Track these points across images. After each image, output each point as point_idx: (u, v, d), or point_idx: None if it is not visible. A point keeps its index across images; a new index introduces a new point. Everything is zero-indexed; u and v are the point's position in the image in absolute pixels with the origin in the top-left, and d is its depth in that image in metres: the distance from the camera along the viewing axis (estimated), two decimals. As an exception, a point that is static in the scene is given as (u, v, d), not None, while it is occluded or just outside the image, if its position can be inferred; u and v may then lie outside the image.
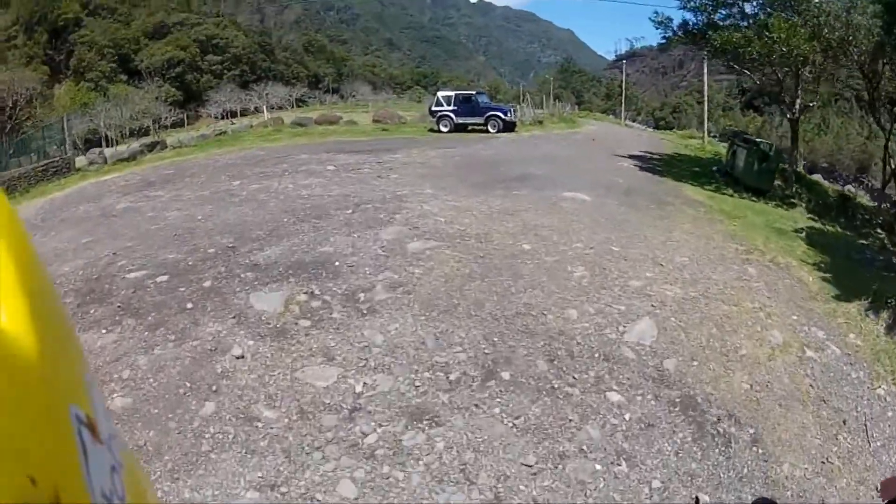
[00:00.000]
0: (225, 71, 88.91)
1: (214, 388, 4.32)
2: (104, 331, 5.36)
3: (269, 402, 4.14)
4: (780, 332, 6.12)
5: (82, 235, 8.73)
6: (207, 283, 6.01)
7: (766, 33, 13.19)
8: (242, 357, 4.60)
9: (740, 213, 11.23)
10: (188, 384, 4.39)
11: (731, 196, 13.16)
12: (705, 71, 29.66)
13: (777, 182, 14.21)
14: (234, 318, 5.22)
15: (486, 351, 4.84)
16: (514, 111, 24.59)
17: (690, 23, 15.79)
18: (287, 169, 13.46)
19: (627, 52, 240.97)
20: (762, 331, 6.08)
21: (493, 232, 7.87)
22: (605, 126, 39.07)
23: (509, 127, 23.67)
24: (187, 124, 51.68)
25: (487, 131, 23.27)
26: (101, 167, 17.51)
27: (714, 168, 16.85)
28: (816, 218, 12.48)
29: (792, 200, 13.56)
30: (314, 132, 25.13)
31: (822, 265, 8.67)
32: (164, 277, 6.31)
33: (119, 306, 5.80)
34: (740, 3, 14.62)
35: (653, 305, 6.08)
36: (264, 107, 63.21)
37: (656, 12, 16.49)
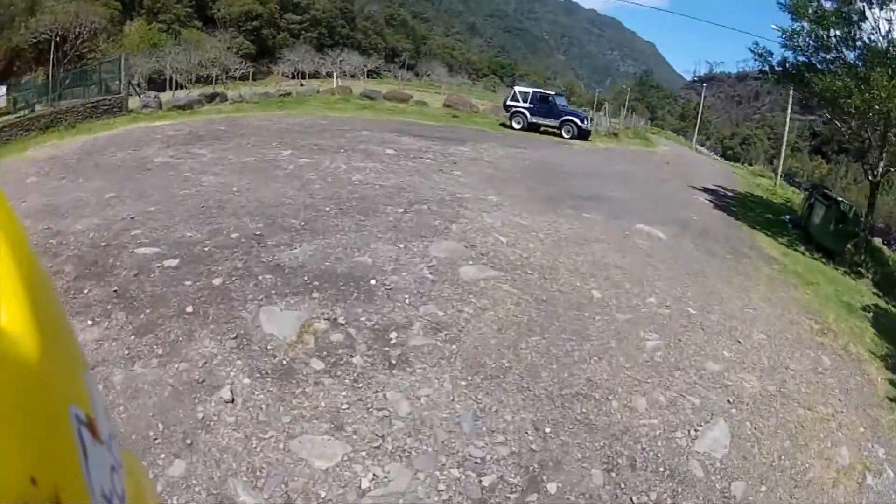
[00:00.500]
0: (302, 31, 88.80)
1: (190, 441, 3.35)
2: (90, 322, 4.47)
3: (250, 478, 3.14)
4: (847, 450, 4.95)
5: (109, 188, 7.96)
6: (218, 281, 5.06)
7: (865, 87, 11.81)
8: (232, 402, 3.62)
9: (813, 279, 9.86)
10: (161, 426, 3.43)
11: (804, 254, 11.87)
12: (788, 111, 27.31)
13: (849, 246, 12.89)
14: (234, 338, 4.24)
15: (534, 447, 3.73)
16: (591, 119, 23.10)
17: (789, 61, 14.31)
18: (344, 145, 12.54)
19: (706, 75, 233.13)
20: (832, 447, 4.91)
21: (560, 266, 6.72)
22: (677, 148, 37.36)
23: (584, 135, 22.27)
24: (257, 79, 50.90)
25: (561, 136, 21.92)
26: (154, 112, 16.97)
27: (787, 218, 15.40)
28: (881, 294, 11.17)
29: (860, 269, 12.18)
30: (381, 108, 24.22)
31: (889, 360, 7.41)
32: (174, 262, 5.40)
33: (115, 290, 4.91)
34: (843, 50, 13.09)
35: (729, 401, 4.91)
36: (335, 73, 63.21)
37: (756, 43, 15.08)
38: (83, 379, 0.43)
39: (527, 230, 7.82)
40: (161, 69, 54.66)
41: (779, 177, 27.62)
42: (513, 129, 22.45)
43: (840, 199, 13.66)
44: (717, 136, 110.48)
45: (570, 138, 21.76)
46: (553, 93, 24.01)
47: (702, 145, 68.47)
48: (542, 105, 22.55)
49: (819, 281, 9.88)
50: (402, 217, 7.44)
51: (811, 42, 13.23)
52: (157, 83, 58.24)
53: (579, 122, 21.96)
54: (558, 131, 22.21)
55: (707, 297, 7.02)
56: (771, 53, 14.37)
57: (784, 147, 28.07)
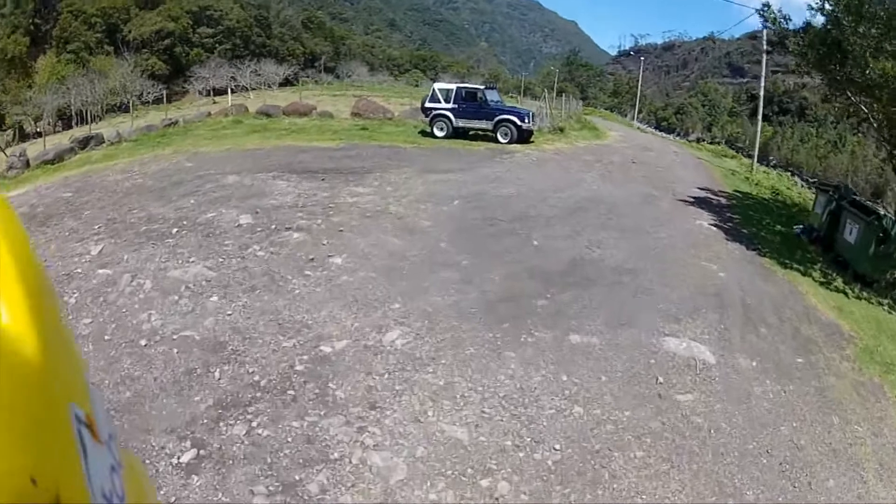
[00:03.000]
0: (216, 45, 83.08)
1: None
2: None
3: None
4: None
5: None
6: None
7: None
8: None
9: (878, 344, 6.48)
10: None
11: (845, 293, 8.60)
12: (762, 77, 23.38)
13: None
14: None
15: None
16: (532, 115, 18.60)
17: (820, 27, 10.30)
18: (184, 217, 8.42)
19: (632, 48, 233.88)
20: None
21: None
22: (624, 131, 33.66)
23: (525, 137, 17.87)
24: (172, 100, 47.12)
25: (496, 140, 17.42)
26: (19, 174, 14.63)
27: (799, 231, 11.83)
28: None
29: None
30: (276, 128, 19.75)
31: None
32: None
33: None
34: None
35: None
36: (248, 86, 57.55)
37: (766, 5, 11.32)
38: (83, 379, 0.43)
39: (466, 449, 3.29)
40: (67, 104, 52.00)
41: (755, 161, 23.58)
42: (435, 137, 17.86)
43: (883, 213, 9.96)
44: (649, 107, 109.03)
45: (509, 142, 17.32)
46: (481, 86, 19.46)
47: (635, 119, 65.78)
48: (469, 103, 18.04)
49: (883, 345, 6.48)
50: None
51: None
52: (66, 118, 54.48)
53: (518, 122, 17.53)
54: (492, 134, 17.72)
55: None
56: (789, 18, 10.24)
57: (759, 126, 23.98)
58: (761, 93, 23.16)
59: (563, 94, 33.40)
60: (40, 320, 0.37)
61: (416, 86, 72.01)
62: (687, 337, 5.42)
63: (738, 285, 7.35)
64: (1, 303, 0.36)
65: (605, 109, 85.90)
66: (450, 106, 18.00)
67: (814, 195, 13.17)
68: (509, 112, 17.98)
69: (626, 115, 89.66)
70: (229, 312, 5.30)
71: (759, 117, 24.21)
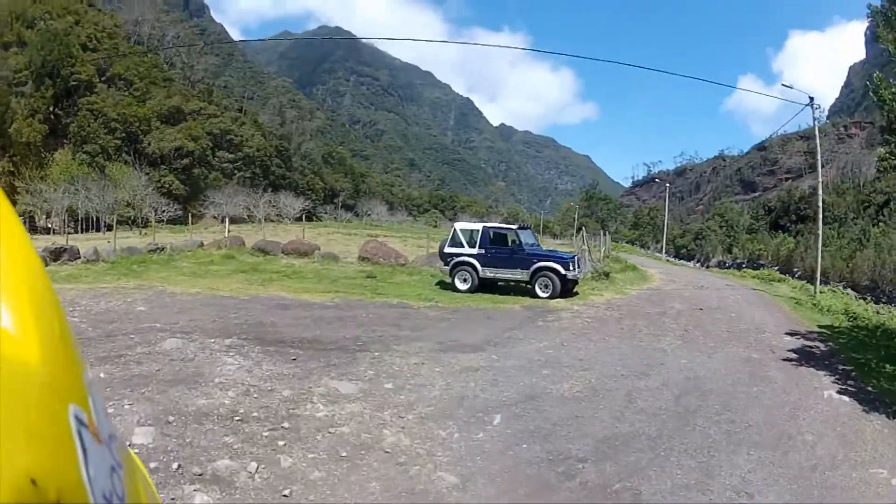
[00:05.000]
0: (236, 171, 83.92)
1: None
2: None
3: None
4: None
5: None
6: None
7: None
8: None
9: None
10: None
11: None
12: (819, 174, 19.76)
13: None
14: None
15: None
16: (577, 259, 15.09)
17: None
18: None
19: (645, 178, 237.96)
20: None
21: None
22: (658, 266, 30.87)
23: (568, 288, 14.27)
24: (188, 223, 46.19)
25: (534, 294, 13.84)
26: None
27: None
28: None
29: None
30: (267, 269, 16.94)
31: None
32: None
33: None
34: None
35: None
36: (261, 217, 56.39)
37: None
38: (83, 379, 0.43)
39: None
40: (75, 206, 51.39)
41: (817, 285, 19.48)
42: (456, 290, 14.34)
43: None
44: (666, 236, 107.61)
45: (550, 297, 13.69)
46: (515, 226, 16.20)
47: (663, 252, 63.20)
48: (498, 248, 14.72)
49: None
50: None
51: None
52: (77, 218, 55.01)
53: (562, 270, 13.98)
54: (529, 286, 14.16)
55: None
56: None
57: (820, 240, 19.75)
58: (819, 191, 19.21)
59: (584, 230, 30.58)
60: (41, 322, 0.37)
61: (435, 226, 70.58)
62: None
63: None
64: (1, 304, 0.36)
65: (627, 243, 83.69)
66: (475, 252, 14.63)
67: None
68: (549, 258, 14.49)
69: (647, 248, 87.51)
70: None
71: (820, 230, 20.03)
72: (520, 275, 14.33)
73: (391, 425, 5.88)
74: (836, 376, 8.65)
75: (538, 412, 6.36)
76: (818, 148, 18.84)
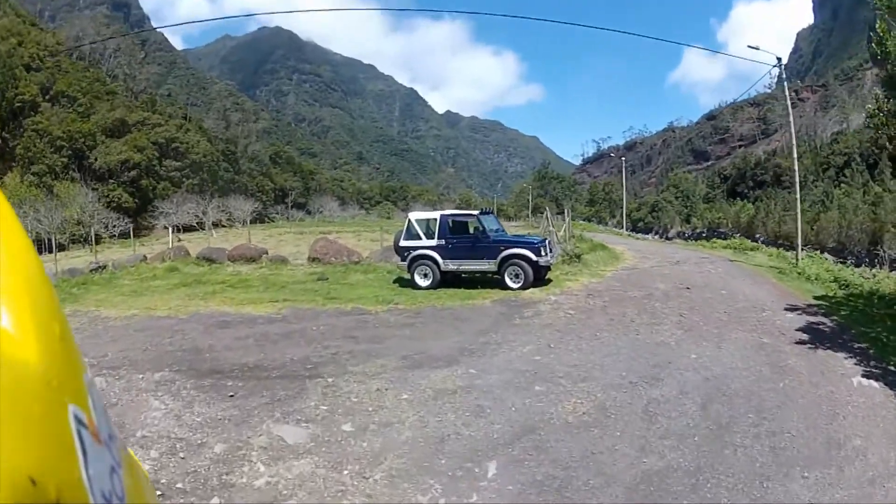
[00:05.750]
0: (184, 179, 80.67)
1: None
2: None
3: None
4: None
5: None
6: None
7: None
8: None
9: None
10: None
11: None
12: (793, 135, 19.02)
13: None
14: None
15: None
16: (549, 244, 13.65)
17: None
18: None
19: (596, 155, 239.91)
20: None
21: None
22: (624, 242, 29.84)
23: (541, 275, 12.87)
24: (139, 235, 44.22)
25: (504, 285, 12.39)
26: None
27: None
28: None
29: None
30: (211, 279, 15.36)
31: None
32: None
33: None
34: None
35: None
36: (212, 222, 53.65)
37: None
38: (83, 380, 0.43)
39: None
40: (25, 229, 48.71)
41: (799, 252, 18.75)
42: (417, 287, 12.78)
43: None
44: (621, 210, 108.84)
45: (522, 287, 12.24)
46: (476, 212, 14.62)
47: (624, 227, 62.99)
48: (460, 238, 13.18)
49: None
50: None
51: None
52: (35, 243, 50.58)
53: (532, 256, 12.51)
54: (497, 277, 12.70)
55: None
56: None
57: (798, 204, 19.03)
58: (794, 153, 18.29)
59: (548, 211, 29.36)
60: (40, 322, 0.37)
61: (388, 218, 68.99)
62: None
63: None
64: (1, 305, 0.36)
65: (584, 220, 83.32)
66: (434, 243, 13.05)
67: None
68: (517, 244, 12.97)
69: (605, 223, 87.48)
70: None
71: (798, 193, 19.26)
72: (486, 265, 12.80)
73: (353, 492, 4.31)
74: (856, 358, 7.62)
75: (542, 452, 4.85)
76: (789, 109, 18.19)
